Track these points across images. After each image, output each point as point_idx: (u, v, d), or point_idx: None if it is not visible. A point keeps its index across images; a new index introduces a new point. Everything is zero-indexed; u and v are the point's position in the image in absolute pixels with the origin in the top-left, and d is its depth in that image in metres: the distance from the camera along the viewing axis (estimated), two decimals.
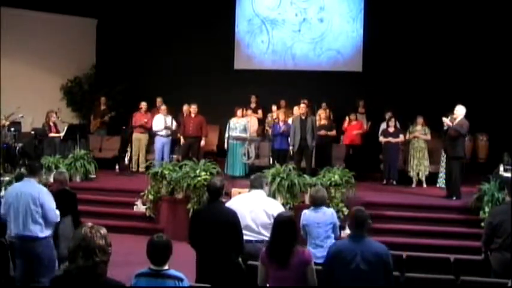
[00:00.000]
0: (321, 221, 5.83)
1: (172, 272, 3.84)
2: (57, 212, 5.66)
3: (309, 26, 14.65)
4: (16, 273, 5.53)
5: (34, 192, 5.49)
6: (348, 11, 14.47)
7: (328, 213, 5.95)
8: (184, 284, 3.83)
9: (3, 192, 6.66)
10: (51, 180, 9.71)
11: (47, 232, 5.55)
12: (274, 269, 4.23)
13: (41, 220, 5.47)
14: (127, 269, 4.22)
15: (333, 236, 5.91)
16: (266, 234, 5.18)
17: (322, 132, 11.13)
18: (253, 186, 5.52)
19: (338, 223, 6.04)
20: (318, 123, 11.37)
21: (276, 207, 5.39)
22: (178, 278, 3.82)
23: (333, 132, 11.51)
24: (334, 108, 12.80)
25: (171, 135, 11.92)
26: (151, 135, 12.01)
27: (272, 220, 5.14)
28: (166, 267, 3.85)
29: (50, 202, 5.56)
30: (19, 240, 5.46)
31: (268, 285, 4.31)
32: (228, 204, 5.30)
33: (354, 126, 12.20)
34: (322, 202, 5.96)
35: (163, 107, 11.96)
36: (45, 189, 5.69)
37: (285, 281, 4.19)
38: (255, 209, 5.28)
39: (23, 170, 9.88)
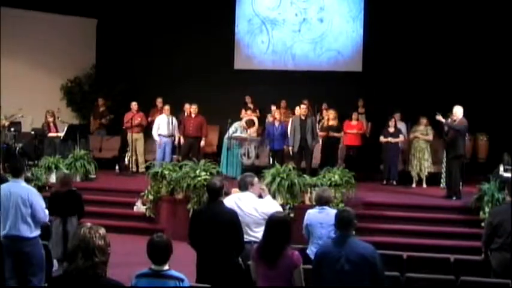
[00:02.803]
0: (324, 221, 5.83)
1: (173, 272, 3.85)
2: (46, 212, 5.71)
3: (309, 26, 14.64)
4: (5, 272, 5.54)
5: (23, 193, 5.52)
6: (348, 11, 14.47)
7: (331, 214, 5.93)
8: (184, 284, 3.84)
9: None
10: (52, 180, 9.78)
11: (35, 232, 5.59)
12: (263, 267, 4.28)
13: (30, 220, 5.50)
14: (127, 269, 4.22)
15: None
16: (255, 235, 5.21)
17: (330, 133, 11.13)
18: (240, 188, 5.53)
19: None
20: (326, 123, 11.38)
21: (269, 206, 5.39)
22: (178, 278, 3.82)
23: (341, 134, 11.46)
24: (334, 108, 12.78)
25: (173, 136, 11.91)
26: (148, 134, 11.97)
27: (264, 218, 5.17)
28: (166, 267, 3.86)
29: (39, 202, 5.59)
30: (8, 240, 5.48)
31: (257, 282, 4.35)
32: None
33: (354, 127, 12.15)
34: (327, 202, 5.98)
35: (167, 107, 11.92)
36: (33, 189, 5.75)
37: (273, 280, 4.23)
38: (240, 211, 5.24)
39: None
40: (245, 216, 5.25)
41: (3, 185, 5.70)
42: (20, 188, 5.58)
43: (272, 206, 5.46)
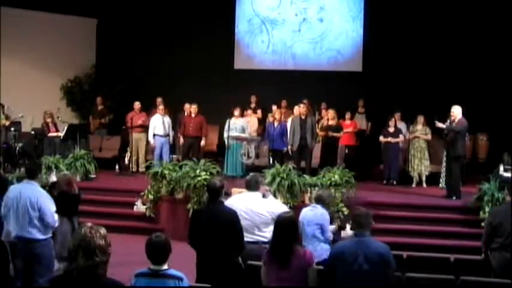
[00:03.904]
0: (310, 219, 5.89)
1: (172, 271, 3.85)
2: (56, 217, 5.67)
3: (309, 26, 14.65)
4: (16, 273, 5.54)
5: (32, 196, 5.51)
6: (348, 10, 14.48)
7: (319, 213, 5.98)
8: (184, 284, 3.84)
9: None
10: (52, 180, 9.77)
11: (46, 234, 5.59)
12: (276, 269, 4.24)
13: (38, 223, 5.51)
14: (127, 269, 4.22)
15: (322, 237, 5.92)
16: (262, 235, 5.21)
17: (329, 133, 11.13)
18: (248, 188, 5.48)
19: (328, 225, 6.03)
20: (325, 123, 11.37)
21: (276, 206, 5.39)
22: (178, 277, 3.82)
23: (340, 134, 11.45)
24: (334, 108, 12.77)
25: (169, 136, 11.91)
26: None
27: (272, 217, 5.17)
28: (165, 266, 3.86)
29: (48, 206, 5.56)
30: (19, 241, 5.50)
31: (270, 285, 4.31)
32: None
33: (349, 126, 12.14)
34: (322, 201, 6.02)
35: (161, 107, 11.92)
36: (44, 193, 5.70)
37: (286, 281, 4.19)
38: (249, 211, 5.25)
39: (23, 170, 9.93)
40: (255, 217, 5.22)
41: (15, 186, 5.74)
42: (30, 191, 5.55)
43: (280, 206, 5.49)
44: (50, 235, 5.64)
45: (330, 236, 6.04)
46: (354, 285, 4.06)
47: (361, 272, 4.05)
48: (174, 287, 3.80)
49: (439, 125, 9.51)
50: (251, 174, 5.97)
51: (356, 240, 4.19)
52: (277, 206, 5.37)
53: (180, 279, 3.82)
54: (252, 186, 5.46)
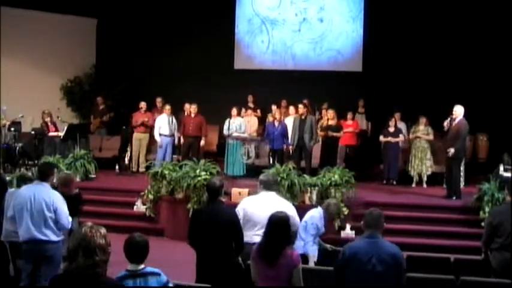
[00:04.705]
0: (305, 217, 5.99)
1: (150, 269, 3.85)
2: (70, 219, 5.63)
3: (309, 26, 14.65)
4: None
5: (47, 198, 5.46)
6: (348, 11, 14.48)
7: (308, 214, 6.12)
8: (162, 278, 3.86)
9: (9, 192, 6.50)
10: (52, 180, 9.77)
11: (60, 236, 5.54)
12: (263, 267, 4.24)
13: (53, 225, 5.47)
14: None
15: (302, 236, 5.95)
16: None
17: (329, 133, 11.14)
18: (266, 187, 5.42)
19: (312, 227, 6.05)
20: (325, 123, 11.38)
21: (291, 208, 5.38)
22: (156, 273, 3.85)
23: (340, 133, 11.44)
24: (334, 108, 12.77)
25: (174, 136, 11.93)
26: (152, 135, 11.98)
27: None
28: (142, 266, 3.85)
29: (62, 208, 5.52)
30: (31, 243, 5.42)
31: (257, 282, 4.32)
32: (241, 208, 5.27)
33: (350, 126, 12.13)
34: (327, 208, 6.14)
35: (168, 107, 11.91)
36: (58, 195, 5.64)
37: (274, 280, 4.20)
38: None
39: (23, 170, 9.93)
40: None
41: (27, 187, 5.68)
42: (44, 192, 5.51)
43: (292, 208, 5.44)
44: (62, 237, 5.58)
45: (308, 240, 5.99)
46: (366, 285, 4.04)
47: (374, 273, 4.01)
48: (159, 286, 3.81)
49: (451, 151, 9.47)
50: (267, 173, 5.97)
51: (368, 240, 4.13)
52: (292, 208, 5.36)
53: (158, 274, 3.85)
54: (271, 185, 5.43)
